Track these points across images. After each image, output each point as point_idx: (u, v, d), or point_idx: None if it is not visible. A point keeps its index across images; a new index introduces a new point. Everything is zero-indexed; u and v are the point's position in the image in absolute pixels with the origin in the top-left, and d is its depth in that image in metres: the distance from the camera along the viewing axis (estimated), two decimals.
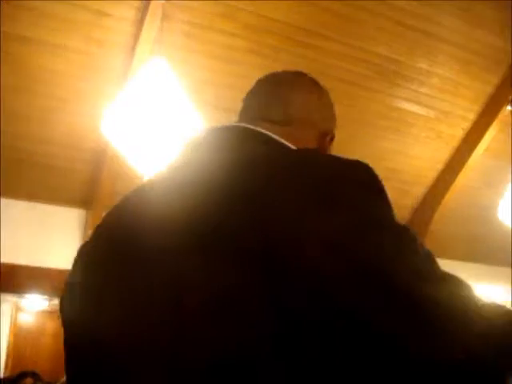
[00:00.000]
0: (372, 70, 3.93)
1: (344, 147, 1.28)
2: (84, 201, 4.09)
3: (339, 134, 0.99)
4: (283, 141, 0.84)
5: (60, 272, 3.94)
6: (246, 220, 0.64)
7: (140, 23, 3.38)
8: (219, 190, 0.68)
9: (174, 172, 0.83)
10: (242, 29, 3.54)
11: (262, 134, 0.84)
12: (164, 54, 2.96)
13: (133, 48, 3.46)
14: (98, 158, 3.88)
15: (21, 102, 3.58)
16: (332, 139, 0.96)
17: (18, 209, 3.93)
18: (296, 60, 3.61)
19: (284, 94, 0.94)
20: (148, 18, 3.33)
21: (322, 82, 1.00)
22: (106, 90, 3.50)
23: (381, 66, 3.93)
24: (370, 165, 0.73)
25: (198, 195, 0.69)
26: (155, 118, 2.72)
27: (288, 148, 0.83)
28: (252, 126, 0.85)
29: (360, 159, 0.73)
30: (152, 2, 3.28)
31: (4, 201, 3.85)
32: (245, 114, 0.95)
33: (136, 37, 3.43)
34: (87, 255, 0.82)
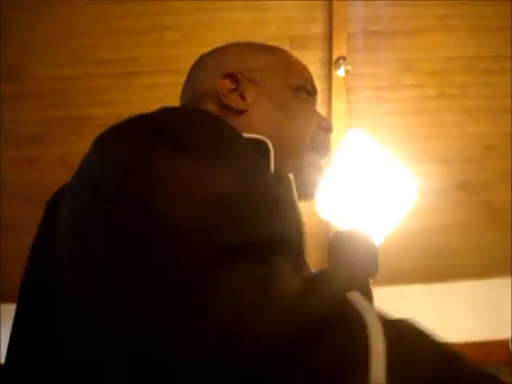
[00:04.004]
0: None
1: None
2: None
3: None
4: None
5: None
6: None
7: (328, 102, 3.51)
8: None
9: None
10: (427, 77, 3.49)
11: None
12: (358, 125, 3.02)
13: None
14: (321, 239, 3.97)
15: None
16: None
17: None
18: (484, 90, 3.46)
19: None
20: (334, 96, 3.44)
21: None
22: None
23: None
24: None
25: None
26: (367, 188, 2.74)
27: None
28: None
29: None
30: (333, 79, 3.40)
31: None
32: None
33: (327, 116, 3.55)
34: None
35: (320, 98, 3.58)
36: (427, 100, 3.55)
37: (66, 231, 0.58)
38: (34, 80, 3.51)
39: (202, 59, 0.94)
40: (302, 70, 0.93)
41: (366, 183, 2.76)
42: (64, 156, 3.75)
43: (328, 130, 0.89)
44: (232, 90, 0.84)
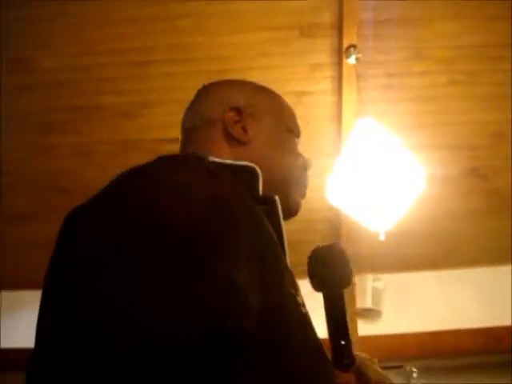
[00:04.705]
0: None
1: None
2: None
3: None
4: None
5: (323, 341, 4.05)
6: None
7: (338, 90, 3.53)
8: None
9: None
10: (437, 64, 3.50)
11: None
12: (369, 113, 3.04)
13: (338, 115, 3.60)
14: (331, 226, 4.01)
15: None
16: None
17: None
18: (493, 77, 3.47)
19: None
20: (345, 84, 3.46)
21: None
22: (324, 160, 3.65)
23: None
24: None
25: None
26: (377, 176, 2.77)
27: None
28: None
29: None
30: (344, 68, 3.41)
31: None
32: None
33: (337, 104, 3.57)
34: None
35: (330, 86, 3.61)
36: (437, 87, 3.56)
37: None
38: (46, 70, 3.56)
39: (206, 90, 1.03)
40: (292, 115, 1.05)
41: (375, 171, 2.78)
42: (77, 145, 3.80)
43: (308, 167, 1.06)
44: (236, 122, 0.96)
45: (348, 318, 0.94)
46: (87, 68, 3.54)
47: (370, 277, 4.06)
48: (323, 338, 0.89)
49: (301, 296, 0.84)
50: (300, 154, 1.04)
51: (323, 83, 3.55)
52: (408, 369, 3.66)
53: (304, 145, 3.86)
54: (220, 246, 0.67)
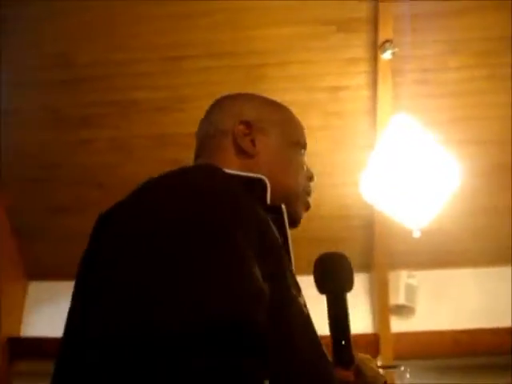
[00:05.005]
0: None
1: None
2: (363, 265, 4.20)
3: None
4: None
5: (358, 337, 4.05)
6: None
7: (374, 85, 3.51)
8: None
9: None
10: (474, 58, 3.45)
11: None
12: (404, 108, 3.01)
13: (373, 110, 3.58)
14: (365, 223, 3.99)
15: None
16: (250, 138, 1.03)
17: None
18: None
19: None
20: (380, 79, 3.44)
21: None
22: (358, 155, 3.64)
23: None
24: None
25: None
26: (412, 172, 2.75)
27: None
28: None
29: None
30: (379, 63, 3.39)
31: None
32: None
33: (372, 99, 3.55)
34: None
35: (366, 81, 3.59)
36: (475, 81, 3.51)
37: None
38: (84, 66, 3.61)
39: (220, 102, 1.11)
40: (300, 128, 1.12)
41: (410, 166, 2.76)
42: (114, 139, 3.86)
43: (312, 179, 1.11)
44: (246, 134, 1.03)
45: (349, 320, 1.01)
46: (123, 63, 3.58)
47: (404, 273, 4.04)
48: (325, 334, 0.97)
49: (303, 297, 0.90)
50: (305, 166, 1.10)
51: (359, 78, 3.53)
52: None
53: (338, 140, 3.88)
54: (233, 245, 0.72)
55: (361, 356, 1.05)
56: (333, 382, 0.85)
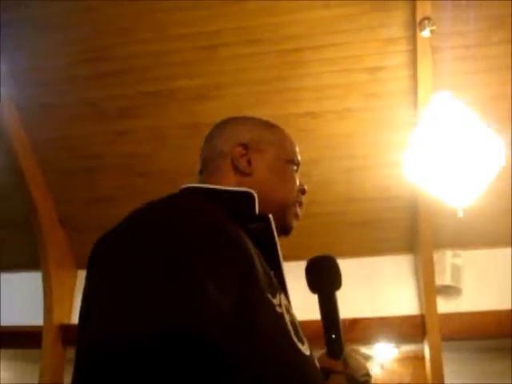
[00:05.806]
0: None
1: None
2: (408, 246, 4.16)
3: None
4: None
5: (404, 318, 4.03)
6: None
7: (413, 64, 3.44)
8: None
9: None
10: None
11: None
12: (445, 86, 2.95)
13: (413, 88, 3.52)
14: (409, 203, 3.94)
15: (323, 169, 3.87)
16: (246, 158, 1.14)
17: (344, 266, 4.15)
18: None
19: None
20: (419, 57, 3.37)
21: None
22: (399, 135, 3.59)
23: None
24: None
25: None
26: (455, 151, 2.69)
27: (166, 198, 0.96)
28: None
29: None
30: (418, 41, 3.32)
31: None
32: None
33: (413, 78, 3.49)
34: None
35: (405, 60, 3.52)
36: None
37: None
38: (120, 58, 3.64)
39: (219, 127, 1.23)
40: (293, 147, 1.23)
41: (453, 145, 2.71)
42: (152, 128, 3.89)
43: (304, 192, 1.22)
44: (243, 155, 1.15)
45: (339, 316, 1.13)
46: (158, 54, 3.60)
47: (449, 253, 3.98)
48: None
49: (278, 298, 0.96)
50: (297, 181, 1.21)
51: (397, 57, 3.47)
52: None
53: (379, 120, 3.82)
54: (200, 259, 0.81)
55: (349, 348, 1.17)
56: (306, 378, 0.91)
